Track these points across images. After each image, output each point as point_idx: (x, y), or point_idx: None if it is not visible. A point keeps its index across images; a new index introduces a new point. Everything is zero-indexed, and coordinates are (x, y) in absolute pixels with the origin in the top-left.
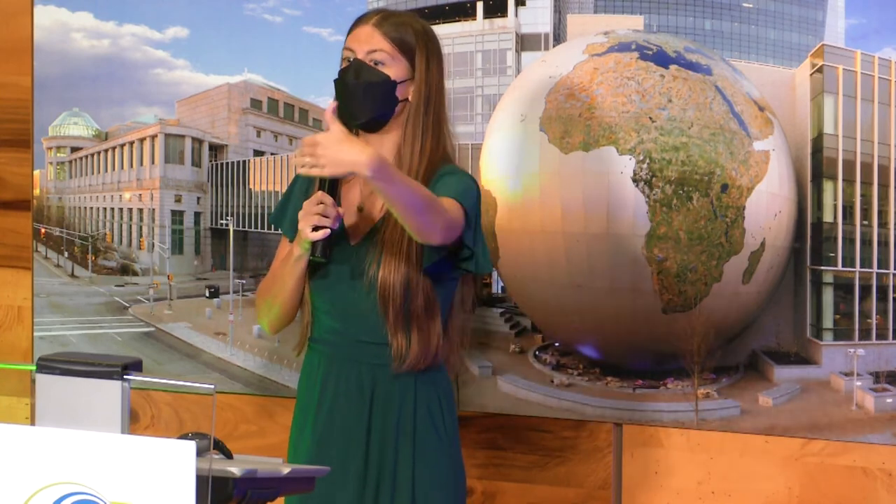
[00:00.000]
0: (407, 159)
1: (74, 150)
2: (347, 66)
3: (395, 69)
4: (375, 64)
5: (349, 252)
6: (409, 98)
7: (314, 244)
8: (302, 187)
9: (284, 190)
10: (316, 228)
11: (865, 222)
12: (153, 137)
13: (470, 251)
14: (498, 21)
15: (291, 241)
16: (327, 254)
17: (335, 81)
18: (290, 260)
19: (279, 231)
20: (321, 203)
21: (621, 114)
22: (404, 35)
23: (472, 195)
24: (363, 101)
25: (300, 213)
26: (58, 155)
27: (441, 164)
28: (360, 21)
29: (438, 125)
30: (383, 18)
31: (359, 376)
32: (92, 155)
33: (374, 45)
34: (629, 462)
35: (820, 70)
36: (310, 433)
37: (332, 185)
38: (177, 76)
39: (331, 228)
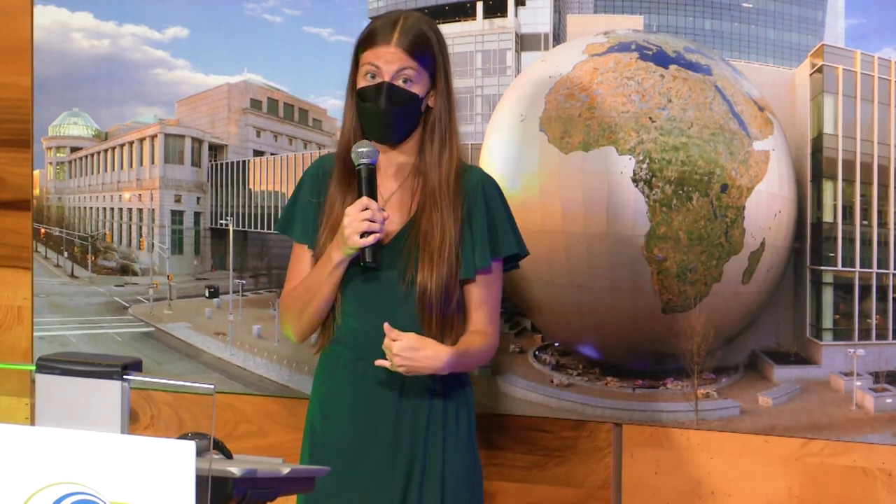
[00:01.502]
0: (435, 166)
1: (74, 150)
2: (378, 90)
3: (420, 85)
4: (405, 82)
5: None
6: (431, 105)
7: (363, 250)
8: (310, 193)
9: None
10: (363, 235)
11: (865, 222)
12: (153, 137)
13: (517, 264)
14: (498, 21)
15: (310, 246)
16: (377, 259)
17: (364, 105)
18: (328, 267)
19: (280, 233)
20: (367, 209)
21: (621, 114)
22: (426, 49)
23: (507, 214)
24: (397, 123)
25: (345, 221)
26: (57, 155)
27: (460, 164)
28: (378, 38)
29: (456, 124)
30: (402, 34)
31: (388, 376)
32: (92, 155)
33: (402, 65)
34: (629, 462)
35: (820, 70)
36: (333, 434)
37: (372, 190)
38: (177, 76)
39: (380, 233)
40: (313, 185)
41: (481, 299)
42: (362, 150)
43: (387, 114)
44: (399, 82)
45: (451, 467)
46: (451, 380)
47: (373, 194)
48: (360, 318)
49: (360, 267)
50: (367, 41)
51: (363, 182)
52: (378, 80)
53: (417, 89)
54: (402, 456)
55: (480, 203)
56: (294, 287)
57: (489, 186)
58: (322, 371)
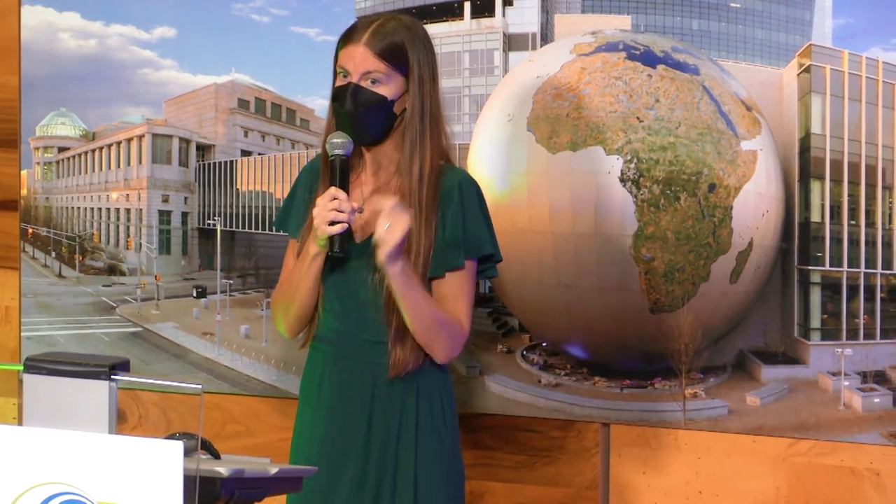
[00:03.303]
0: (406, 171)
1: (62, 150)
2: (344, 91)
3: (391, 87)
4: (372, 83)
5: (353, 252)
6: (406, 109)
7: (331, 240)
8: (305, 189)
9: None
10: (332, 224)
11: (853, 222)
12: (140, 137)
13: (494, 269)
14: (485, 21)
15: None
16: (345, 248)
17: (333, 105)
18: (307, 259)
19: (270, 231)
20: (335, 199)
21: (609, 114)
22: (397, 51)
23: (484, 216)
24: (364, 125)
25: (314, 211)
26: (45, 155)
27: (441, 167)
28: (350, 38)
29: (436, 128)
30: (373, 35)
31: (361, 375)
32: (79, 155)
33: (368, 67)
34: (617, 462)
35: (807, 70)
36: (314, 432)
37: (343, 182)
38: (164, 76)
39: (348, 223)
40: (307, 182)
41: (453, 296)
42: (336, 142)
43: (353, 115)
44: (367, 83)
45: (426, 470)
46: (426, 380)
47: (344, 185)
48: (338, 317)
49: (330, 258)
50: (343, 39)
51: (335, 173)
52: (348, 80)
53: (386, 91)
54: (375, 458)
55: (456, 202)
56: (281, 282)
57: (466, 186)
58: (307, 367)
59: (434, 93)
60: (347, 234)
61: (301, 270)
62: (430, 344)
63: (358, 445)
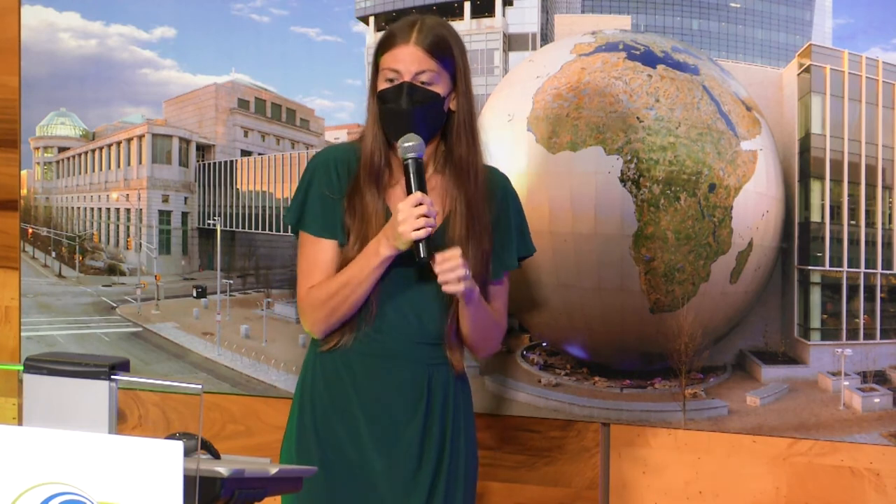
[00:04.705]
0: (465, 170)
1: (62, 150)
2: (398, 90)
3: (441, 85)
4: (424, 84)
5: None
6: (453, 108)
7: (418, 245)
8: (324, 185)
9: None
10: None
11: (853, 222)
12: (140, 137)
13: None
14: (485, 21)
15: (340, 241)
16: (431, 254)
17: (385, 106)
18: (374, 261)
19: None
20: (420, 203)
21: (609, 114)
22: (445, 50)
23: (524, 216)
24: (420, 123)
25: (399, 216)
26: (45, 155)
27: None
28: (397, 39)
29: (479, 129)
30: (420, 33)
31: (413, 375)
32: (79, 155)
33: (422, 66)
34: (617, 462)
35: (807, 70)
36: (345, 431)
37: (421, 184)
38: (164, 76)
39: (433, 227)
40: (326, 178)
41: (496, 294)
42: (409, 145)
43: (409, 114)
44: (419, 83)
45: (469, 464)
46: (463, 376)
47: (422, 188)
48: (388, 320)
49: (415, 262)
50: (386, 43)
51: (413, 176)
52: (398, 81)
53: (438, 89)
54: (429, 460)
55: (507, 207)
56: (324, 283)
57: (511, 188)
58: (327, 369)
59: (472, 92)
60: (430, 238)
61: (363, 273)
62: (483, 345)
63: (412, 445)
